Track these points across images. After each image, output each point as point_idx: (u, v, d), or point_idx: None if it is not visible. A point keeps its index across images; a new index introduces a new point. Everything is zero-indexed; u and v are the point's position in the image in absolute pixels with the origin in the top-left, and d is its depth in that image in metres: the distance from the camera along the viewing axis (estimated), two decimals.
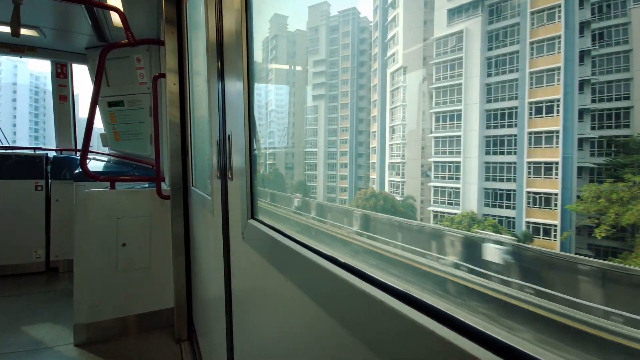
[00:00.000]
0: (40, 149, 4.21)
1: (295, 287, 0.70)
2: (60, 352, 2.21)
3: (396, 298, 0.44)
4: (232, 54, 1.16)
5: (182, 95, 2.42)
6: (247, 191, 1.03)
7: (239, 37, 1.06)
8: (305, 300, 0.65)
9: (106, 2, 2.71)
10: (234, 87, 1.14)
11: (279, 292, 0.81)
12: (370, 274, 0.51)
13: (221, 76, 1.33)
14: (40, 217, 3.71)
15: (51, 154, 3.90)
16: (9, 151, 3.88)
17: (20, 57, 3.97)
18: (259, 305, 0.98)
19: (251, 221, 1.00)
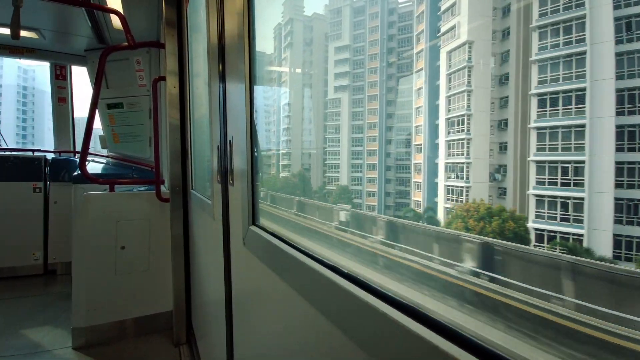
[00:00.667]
0: (39, 150, 4.19)
1: (297, 294, 0.69)
2: (59, 356, 2.19)
3: (398, 310, 0.44)
4: (233, 57, 1.15)
5: (182, 98, 2.41)
6: (248, 197, 1.03)
7: (241, 41, 1.05)
8: (306, 307, 0.65)
9: (106, 4, 2.71)
10: (236, 90, 1.13)
11: (279, 298, 0.81)
12: (371, 284, 0.52)
13: (222, 79, 1.33)
14: (39, 219, 3.69)
15: (50, 156, 3.89)
16: (7, 153, 3.87)
17: (20, 58, 3.97)
18: (259, 310, 0.97)
19: (252, 227, 0.99)
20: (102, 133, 3.87)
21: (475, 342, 0.36)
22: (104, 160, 4.25)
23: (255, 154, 1.08)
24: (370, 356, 0.46)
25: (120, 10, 2.68)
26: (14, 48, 3.83)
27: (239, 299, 1.19)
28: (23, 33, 3.16)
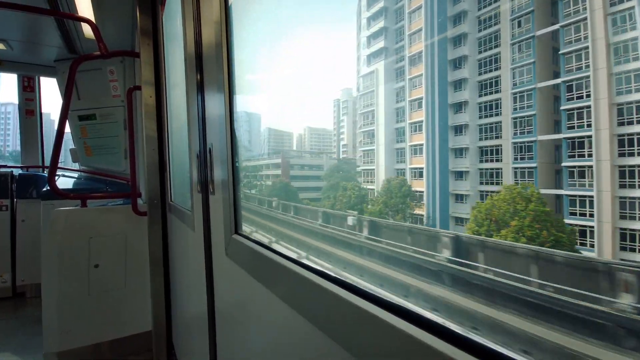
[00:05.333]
0: (5, 166, 3.96)
1: (282, 303, 0.68)
2: None
3: (388, 311, 0.44)
4: (212, 66, 1.14)
5: (159, 108, 2.36)
6: (230, 205, 1.00)
7: (219, 49, 1.04)
8: (293, 315, 0.63)
9: (77, 13, 2.63)
10: (215, 99, 1.12)
11: (265, 308, 0.78)
12: (360, 286, 0.51)
13: (201, 88, 1.30)
14: (5, 239, 3.49)
15: (17, 172, 3.68)
16: None
17: None
18: (244, 322, 0.94)
19: (235, 236, 0.97)
20: (72, 146, 3.71)
21: (473, 341, 0.35)
22: (76, 175, 4.07)
23: (237, 162, 1.06)
24: None
25: (92, 19, 2.60)
26: None
27: (223, 312, 1.15)
28: None
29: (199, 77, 1.31)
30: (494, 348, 0.34)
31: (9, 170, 3.63)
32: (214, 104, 1.13)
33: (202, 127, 1.29)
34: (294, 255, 0.71)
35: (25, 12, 2.39)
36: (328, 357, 0.53)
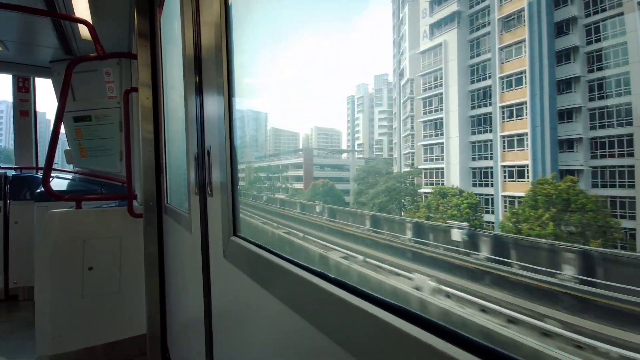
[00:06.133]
0: None
1: (282, 304, 0.68)
2: None
3: (388, 311, 0.44)
4: (211, 68, 1.14)
5: (156, 110, 2.35)
6: (229, 207, 1.00)
7: (218, 52, 1.05)
8: (292, 316, 0.63)
9: (74, 14, 2.62)
10: (214, 101, 1.12)
11: (263, 310, 0.78)
12: (358, 287, 0.51)
13: (199, 90, 1.31)
14: None
15: (10, 173, 3.64)
16: None
17: None
18: (242, 325, 0.93)
19: (234, 238, 0.97)
20: (67, 147, 3.68)
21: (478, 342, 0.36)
22: (70, 176, 4.02)
23: (235, 164, 1.06)
24: None
25: (89, 20, 2.60)
26: None
27: (220, 315, 1.15)
28: None
29: (197, 79, 1.31)
30: (490, 345, 0.34)
31: (2, 171, 3.59)
32: (213, 106, 1.13)
33: (200, 129, 1.29)
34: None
35: (22, 13, 2.37)
36: (327, 357, 0.53)
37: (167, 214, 2.19)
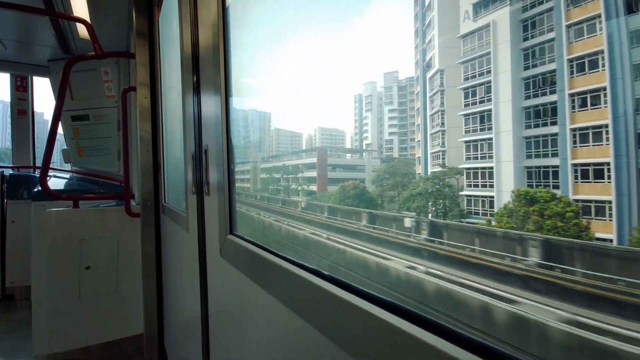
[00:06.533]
0: None
1: (279, 302, 0.68)
2: None
3: (386, 310, 0.44)
4: (208, 67, 1.15)
5: (154, 109, 2.35)
6: (225, 205, 1.00)
7: (216, 51, 1.05)
8: (289, 314, 0.63)
9: (72, 13, 2.62)
10: (211, 100, 1.12)
11: (260, 308, 0.78)
12: (355, 285, 0.51)
13: (197, 90, 1.31)
14: None
15: (7, 172, 3.63)
16: None
17: None
18: (238, 324, 0.94)
19: (230, 237, 0.97)
20: (65, 147, 3.67)
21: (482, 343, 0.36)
22: (67, 176, 4.01)
23: (232, 163, 1.07)
24: None
25: (88, 19, 2.59)
26: None
27: (217, 314, 1.15)
28: None
29: (195, 78, 1.32)
30: (490, 345, 0.34)
31: None
32: (210, 106, 1.13)
33: (197, 129, 1.29)
34: None
35: (20, 12, 2.37)
36: (326, 356, 0.53)
37: (164, 213, 2.18)
